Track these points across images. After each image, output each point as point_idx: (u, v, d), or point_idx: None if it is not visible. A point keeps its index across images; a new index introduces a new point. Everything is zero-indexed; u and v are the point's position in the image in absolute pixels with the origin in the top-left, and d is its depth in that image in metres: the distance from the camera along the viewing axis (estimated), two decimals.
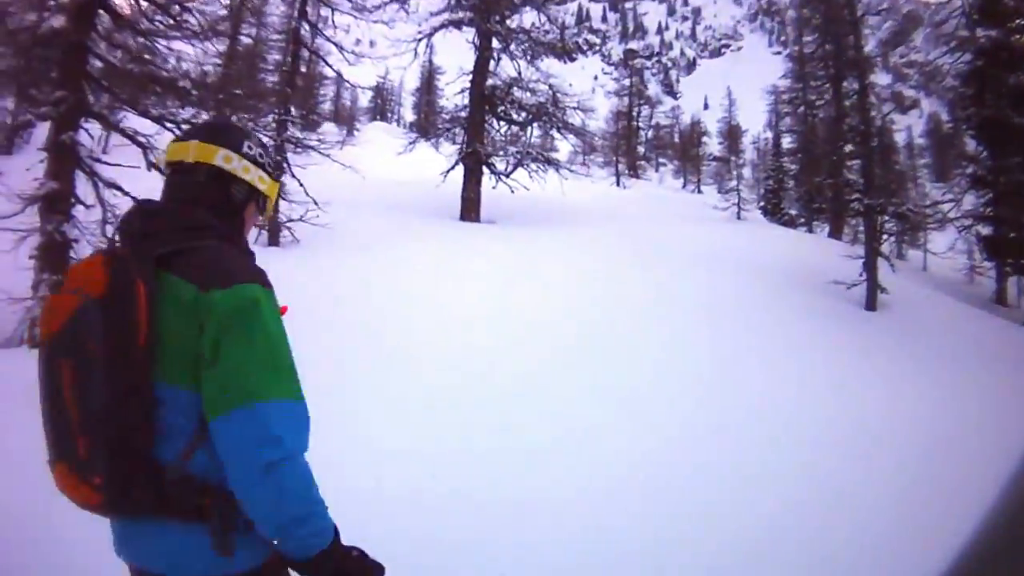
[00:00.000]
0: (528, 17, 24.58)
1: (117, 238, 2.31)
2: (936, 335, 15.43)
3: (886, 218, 18.56)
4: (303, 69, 24.26)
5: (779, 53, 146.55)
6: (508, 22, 23.31)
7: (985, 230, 27.32)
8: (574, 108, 23.83)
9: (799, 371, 11.26)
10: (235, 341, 2.02)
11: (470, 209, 21.27)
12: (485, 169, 21.94)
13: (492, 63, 23.21)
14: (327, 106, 74.09)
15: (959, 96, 28.48)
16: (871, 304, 16.96)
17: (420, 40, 23.49)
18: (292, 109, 18.01)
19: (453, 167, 22.41)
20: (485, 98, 22.47)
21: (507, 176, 22.10)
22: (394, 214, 19.42)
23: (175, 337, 2.04)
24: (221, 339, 2.01)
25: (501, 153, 23.01)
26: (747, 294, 15.59)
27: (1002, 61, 25.57)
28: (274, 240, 16.25)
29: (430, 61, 64.16)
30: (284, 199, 15.32)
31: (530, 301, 12.79)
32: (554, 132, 24.57)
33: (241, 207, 2.42)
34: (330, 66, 20.93)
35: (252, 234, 2.65)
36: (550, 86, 23.35)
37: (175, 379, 2.03)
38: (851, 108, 23.90)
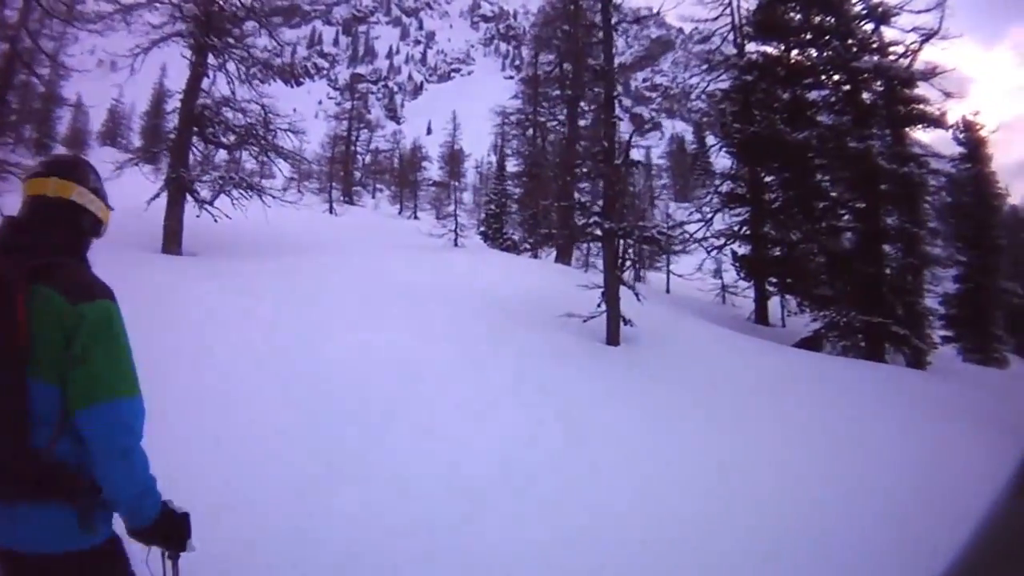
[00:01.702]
0: (259, 41, 22.66)
1: None
2: (694, 365, 13.69)
3: (630, 242, 16.92)
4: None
5: (511, 77, 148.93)
6: (228, 38, 21.08)
7: (741, 249, 27.39)
8: (285, 130, 21.77)
9: (529, 425, 9.28)
10: (99, 347, 2.55)
11: (172, 240, 18.70)
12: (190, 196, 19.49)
13: (207, 81, 20.90)
14: (62, 128, 69.40)
15: (720, 113, 28.57)
16: (613, 338, 14.76)
17: (138, 55, 20.53)
18: None
19: (158, 194, 19.73)
20: (194, 118, 20.01)
21: (211, 203, 19.72)
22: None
23: (44, 340, 2.48)
24: (88, 344, 2.51)
25: (205, 178, 20.51)
26: (460, 331, 13.31)
27: (777, 77, 25.85)
28: None
29: (161, 83, 61.05)
30: None
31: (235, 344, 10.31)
32: (265, 156, 22.41)
33: (88, 231, 2.96)
34: (37, 76, 18.61)
35: None
36: (262, 106, 21.11)
37: (41, 375, 2.47)
38: (593, 125, 23.45)
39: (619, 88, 19.62)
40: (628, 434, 9.50)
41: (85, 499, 2.53)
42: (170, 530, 2.79)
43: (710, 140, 34.84)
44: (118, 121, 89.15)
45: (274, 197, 20.46)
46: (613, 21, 16.70)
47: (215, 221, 19.60)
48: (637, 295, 15.96)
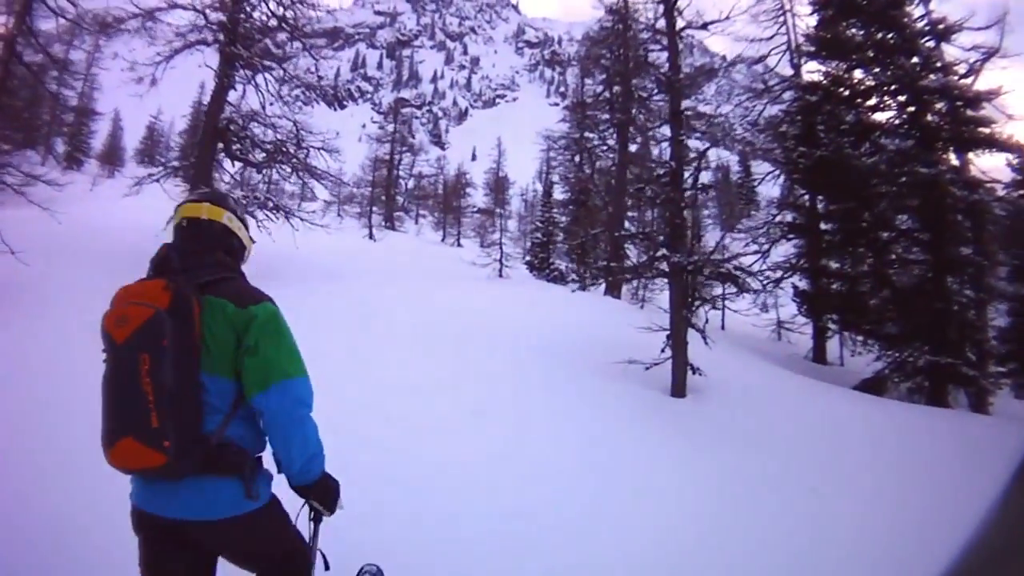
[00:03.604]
0: (301, 63, 21.98)
1: (155, 263, 3.17)
2: (772, 423, 11.76)
3: (700, 279, 14.58)
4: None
5: (556, 104, 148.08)
6: (257, 48, 20.04)
7: (801, 283, 26.08)
8: (318, 148, 20.60)
9: (592, 492, 7.92)
10: (270, 339, 3.08)
11: None
12: None
13: (235, 96, 19.88)
14: (96, 143, 69.62)
15: (781, 137, 26.97)
16: (678, 388, 12.83)
17: (159, 63, 19.47)
18: None
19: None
20: (218, 132, 18.97)
21: None
22: (102, 268, 15.65)
23: (217, 339, 3.00)
24: (260, 338, 3.04)
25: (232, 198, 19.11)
26: (509, 380, 11.86)
27: (841, 97, 24.38)
28: None
29: (200, 101, 60.35)
30: None
31: None
32: (297, 176, 21.09)
33: (239, 253, 3.51)
34: (42, 83, 18.13)
35: None
36: (294, 122, 20.12)
37: (216, 370, 3.00)
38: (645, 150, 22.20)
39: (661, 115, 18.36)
40: (697, 513, 7.85)
41: (249, 472, 3.03)
42: (327, 491, 3.35)
43: (757, 168, 33.40)
44: (156, 139, 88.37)
45: (303, 220, 19.14)
46: (678, 27, 14.92)
47: None
48: (706, 339, 13.95)
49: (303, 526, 3.43)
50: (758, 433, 11.10)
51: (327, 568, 3.61)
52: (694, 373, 13.00)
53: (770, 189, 33.07)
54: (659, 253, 13.96)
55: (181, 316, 2.89)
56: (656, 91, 15.68)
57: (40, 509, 5.77)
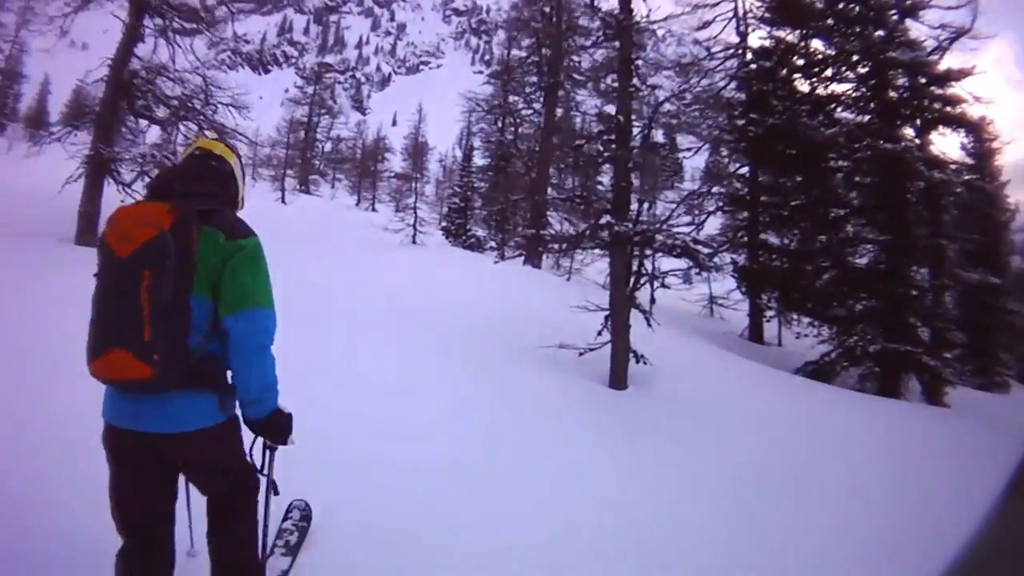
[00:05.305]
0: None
1: (154, 188, 3.48)
2: (724, 419, 10.15)
3: (649, 251, 13.23)
4: None
5: (480, 72, 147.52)
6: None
7: (740, 258, 25.50)
8: (227, 105, 18.89)
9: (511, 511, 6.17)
10: (249, 269, 3.29)
11: (86, 229, 15.73)
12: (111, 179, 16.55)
13: (148, 50, 18.29)
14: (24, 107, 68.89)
15: (725, 106, 26.14)
16: (619, 379, 11.13)
17: (67, 15, 18.21)
18: None
19: (78, 176, 16.70)
20: (123, 86, 17.14)
21: (130, 186, 16.57)
22: None
23: (207, 264, 3.18)
24: (239, 266, 3.25)
25: (126, 156, 17.31)
26: (421, 367, 10.11)
27: (795, 66, 23.76)
28: None
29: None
30: None
31: None
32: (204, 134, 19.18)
33: (235, 197, 3.75)
34: None
35: None
36: (204, 77, 18.53)
37: (201, 292, 3.17)
38: (571, 118, 21.22)
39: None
40: (651, 534, 6.24)
41: (224, 386, 3.35)
42: (278, 426, 3.59)
43: (680, 142, 32.83)
44: (82, 102, 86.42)
45: None
46: None
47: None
48: (649, 321, 12.12)
49: (257, 458, 3.76)
50: (713, 433, 9.55)
51: (276, 493, 3.97)
52: (638, 362, 11.41)
53: (693, 162, 34.27)
54: (603, 220, 11.90)
55: (182, 239, 3.07)
56: (600, 39, 13.75)
57: None
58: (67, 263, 12.58)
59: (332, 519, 5.39)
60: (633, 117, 12.68)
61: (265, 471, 3.80)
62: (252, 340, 3.27)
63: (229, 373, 3.39)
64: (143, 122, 19.13)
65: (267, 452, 3.79)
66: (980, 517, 1.09)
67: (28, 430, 5.92)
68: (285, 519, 4.84)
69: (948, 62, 21.11)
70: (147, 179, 16.74)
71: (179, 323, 3.06)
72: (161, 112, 18.44)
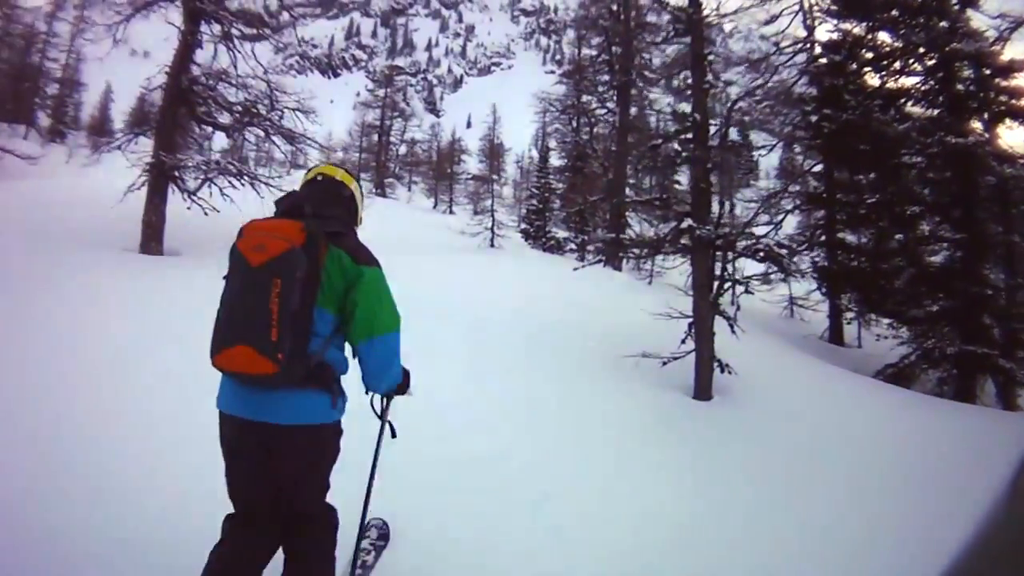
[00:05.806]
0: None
1: (283, 209, 3.74)
2: (816, 434, 9.67)
3: (731, 255, 12.00)
4: None
5: (552, 72, 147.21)
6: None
7: (818, 258, 24.91)
8: (293, 110, 18.67)
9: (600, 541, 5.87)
10: (376, 298, 3.61)
11: (151, 237, 15.88)
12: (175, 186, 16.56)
13: (208, 56, 18.19)
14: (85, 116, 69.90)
15: (796, 101, 25.58)
16: (703, 390, 10.76)
17: (119, 23, 17.78)
18: None
19: (140, 185, 16.63)
20: (183, 93, 17.14)
21: (194, 194, 16.54)
22: (51, 246, 14.00)
23: (331, 281, 3.50)
24: (365, 297, 3.56)
25: (190, 164, 17.20)
26: (498, 379, 9.87)
27: (864, 60, 23.23)
28: None
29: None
30: None
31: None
32: (270, 141, 19.08)
33: (356, 217, 4.11)
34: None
35: None
36: (268, 82, 18.43)
37: (324, 304, 3.49)
38: (678, 97, 20.99)
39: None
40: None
41: (336, 389, 3.62)
42: (399, 391, 4.22)
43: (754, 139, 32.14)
44: (147, 109, 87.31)
45: (269, 186, 17.20)
46: None
47: (205, 215, 16.39)
48: (733, 327, 11.55)
49: (376, 405, 4.26)
50: (807, 449, 9.11)
51: (393, 436, 4.37)
52: (723, 371, 11.00)
53: (765, 160, 33.49)
54: (684, 224, 11.42)
55: (311, 255, 3.41)
56: (670, 34, 13.24)
57: None
58: (133, 267, 13.07)
59: (406, 534, 5.37)
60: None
61: (381, 416, 4.32)
62: (384, 362, 3.73)
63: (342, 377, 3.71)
64: (208, 128, 19.06)
65: (384, 399, 4.26)
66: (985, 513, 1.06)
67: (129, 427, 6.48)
68: (362, 537, 4.74)
69: (1010, 52, 20.56)
70: (213, 186, 17.05)
71: (303, 329, 3.37)
72: (224, 118, 18.29)
